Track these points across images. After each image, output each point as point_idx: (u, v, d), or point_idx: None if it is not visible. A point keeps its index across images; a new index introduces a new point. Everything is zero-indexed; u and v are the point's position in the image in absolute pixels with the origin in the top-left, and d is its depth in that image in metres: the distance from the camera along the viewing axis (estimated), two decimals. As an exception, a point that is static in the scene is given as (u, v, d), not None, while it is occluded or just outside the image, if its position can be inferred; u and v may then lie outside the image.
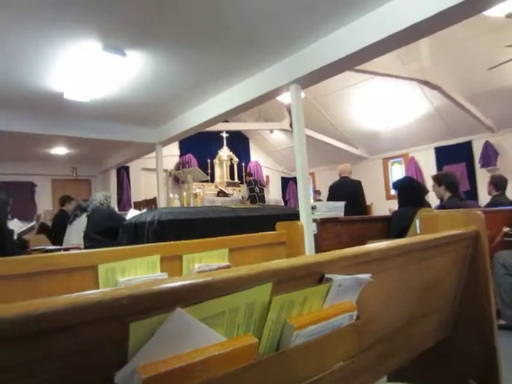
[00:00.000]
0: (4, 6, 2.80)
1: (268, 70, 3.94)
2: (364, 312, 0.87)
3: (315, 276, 0.77)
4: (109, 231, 3.70)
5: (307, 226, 3.28)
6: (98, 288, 1.35)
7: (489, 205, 3.87)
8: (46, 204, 8.14)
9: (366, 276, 0.83)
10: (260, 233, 1.97)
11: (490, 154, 7.76)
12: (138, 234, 3.37)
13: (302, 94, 3.92)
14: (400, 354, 1.22)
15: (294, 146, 3.52)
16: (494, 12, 3.45)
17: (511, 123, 7.33)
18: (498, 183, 3.81)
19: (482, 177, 7.79)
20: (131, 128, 5.98)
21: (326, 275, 0.78)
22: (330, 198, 4.76)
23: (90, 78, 4.18)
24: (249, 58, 3.75)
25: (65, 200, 5.10)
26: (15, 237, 4.05)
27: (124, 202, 8.40)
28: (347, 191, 4.48)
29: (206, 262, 1.74)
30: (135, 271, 1.54)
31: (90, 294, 0.47)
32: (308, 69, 3.41)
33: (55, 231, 4.57)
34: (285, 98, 4.89)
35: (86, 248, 3.58)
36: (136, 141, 6.10)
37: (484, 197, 6.91)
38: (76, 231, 4.17)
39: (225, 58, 3.75)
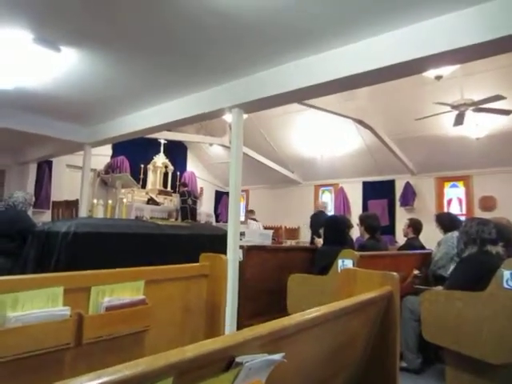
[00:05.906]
0: None
1: (212, 90, 3.86)
2: (273, 387, 0.83)
3: (224, 360, 0.71)
4: (16, 235, 3.31)
5: (233, 254, 3.23)
6: (-22, 327, 1.15)
7: (404, 247, 4.16)
8: None
9: (278, 356, 0.79)
10: (181, 265, 1.88)
11: (409, 194, 8.47)
12: (49, 244, 3.04)
13: (245, 116, 3.93)
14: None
15: (230, 171, 3.47)
16: (428, 73, 3.87)
17: (428, 168, 8.18)
18: (416, 227, 4.11)
19: (401, 214, 8.45)
20: (59, 124, 5.48)
21: (237, 359, 0.72)
22: (312, 225, 6.42)
23: (16, 67, 3.77)
24: (193, 75, 3.63)
25: None
26: None
27: (41, 199, 7.63)
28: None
29: (118, 294, 1.60)
30: (31, 304, 1.35)
31: None
32: (252, 96, 3.41)
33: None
34: (228, 115, 4.87)
35: (-17, 254, 3.15)
36: (63, 138, 5.60)
37: (400, 232, 7.44)
38: None
39: (168, 71, 3.60)
